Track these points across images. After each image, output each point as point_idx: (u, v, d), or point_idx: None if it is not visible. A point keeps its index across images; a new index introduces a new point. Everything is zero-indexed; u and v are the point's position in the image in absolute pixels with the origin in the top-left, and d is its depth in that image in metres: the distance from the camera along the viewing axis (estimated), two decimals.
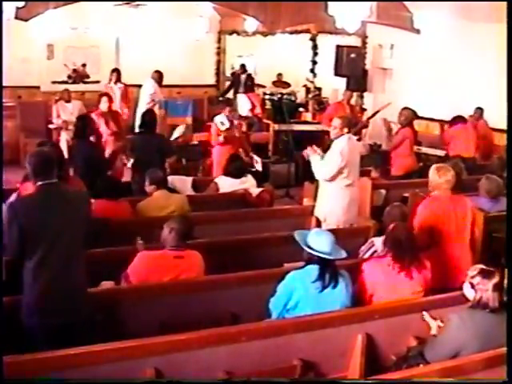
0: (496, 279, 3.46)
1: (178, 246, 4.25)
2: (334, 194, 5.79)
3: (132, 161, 6.98)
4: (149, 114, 7.32)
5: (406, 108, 7.99)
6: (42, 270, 3.52)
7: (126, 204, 5.56)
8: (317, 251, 3.86)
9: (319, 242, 3.91)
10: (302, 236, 4.01)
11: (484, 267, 3.55)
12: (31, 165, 3.62)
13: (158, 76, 10.06)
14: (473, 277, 3.50)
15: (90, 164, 6.09)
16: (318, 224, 5.72)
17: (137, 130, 8.26)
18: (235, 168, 6.59)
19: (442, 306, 3.97)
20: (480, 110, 8.97)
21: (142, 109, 9.08)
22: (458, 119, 8.60)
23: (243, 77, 12.47)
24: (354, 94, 10.91)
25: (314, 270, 3.88)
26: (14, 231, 3.46)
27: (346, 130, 5.76)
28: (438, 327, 3.75)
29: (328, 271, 3.87)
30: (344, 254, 3.98)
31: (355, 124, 8.54)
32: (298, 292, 3.84)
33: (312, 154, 5.86)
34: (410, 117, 7.87)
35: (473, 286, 3.49)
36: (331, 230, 4.47)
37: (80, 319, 3.61)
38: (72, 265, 3.61)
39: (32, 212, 3.53)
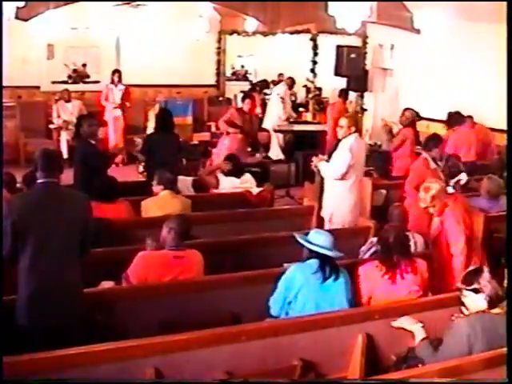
0: (486, 271, 3.51)
1: (178, 245, 4.25)
2: (341, 193, 5.82)
3: (143, 163, 6.87)
4: (166, 113, 7.30)
5: (407, 109, 8.00)
6: (34, 270, 3.51)
7: (124, 205, 5.56)
8: (316, 246, 3.91)
9: (319, 239, 3.98)
10: (303, 236, 4.08)
11: (471, 269, 3.62)
12: (37, 161, 3.67)
13: (291, 82, 11.23)
14: (471, 283, 3.48)
15: (89, 164, 6.08)
16: (319, 224, 5.72)
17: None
18: (233, 167, 6.60)
19: (442, 307, 3.97)
20: (470, 117, 8.84)
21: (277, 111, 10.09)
22: (458, 117, 8.48)
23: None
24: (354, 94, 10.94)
25: (314, 263, 3.93)
26: (8, 227, 3.47)
27: (353, 129, 5.80)
28: (422, 328, 3.72)
29: (328, 265, 3.93)
30: (340, 255, 4.04)
31: None
32: (299, 282, 3.88)
33: (318, 162, 5.91)
34: (411, 117, 7.89)
35: (478, 291, 3.47)
36: (331, 231, 4.48)
37: (73, 321, 3.59)
38: (65, 266, 3.59)
39: (25, 209, 3.53)
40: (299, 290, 3.89)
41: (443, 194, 4.74)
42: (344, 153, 5.70)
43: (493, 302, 3.46)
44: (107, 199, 5.37)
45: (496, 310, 3.46)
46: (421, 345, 3.62)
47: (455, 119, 8.54)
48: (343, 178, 5.76)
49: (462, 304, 3.53)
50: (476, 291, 3.48)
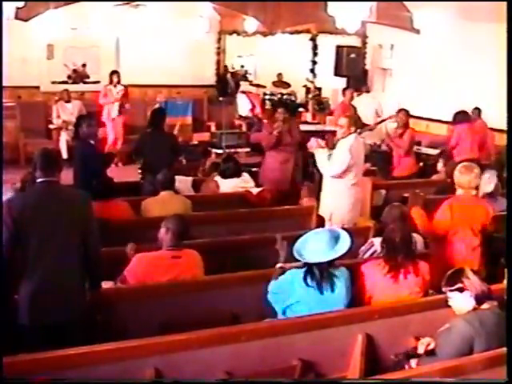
0: (467, 270, 3.54)
1: (175, 245, 4.24)
2: (340, 192, 5.83)
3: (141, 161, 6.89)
4: (158, 112, 7.28)
5: (402, 109, 8.03)
6: (34, 269, 3.51)
7: (122, 204, 5.56)
8: (307, 258, 3.84)
9: (310, 246, 3.88)
10: (298, 246, 3.96)
11: (452, 270, 3.62)
12: (36, 160, 3.67)
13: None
14: (455, 283, 3.50)
15: (88, 165, 6.07)
16: (319, 224, 5.72)
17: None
18: (229, 168, 6.59)
19: (442, 307, 3.97)
20: (478, 110, 8.89)
21: None
22: (462, 115, 8.46)
23: (228, 77, 12.55)
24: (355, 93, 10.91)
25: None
26: (7, 226, 3.46)
27: (352, 128, 5.82)
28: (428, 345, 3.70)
29: (324, 273, 3.82)
30: (341, 251, 3.88)
31: (362, 126, 8.58)
32: (298, 292, 3.82)
33: (317, 147, 5.89)
34: (405, 118, 7.94)
35: (463, 289, 3.48)
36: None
37: (73, 320, 3.59)
38: (66, 265, 3.60)
39: (25, 208, 3.53)
40: (298, 301, 3.83)
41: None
42: (344, 152, 5.72)
43: (480, 299, 3.47)
44: (102, 198, 5.36)
45: (485, 306, 3.47)
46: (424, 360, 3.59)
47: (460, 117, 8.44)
48: (342, 176, 5.77)
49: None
50: (461, 290, 3.49)
